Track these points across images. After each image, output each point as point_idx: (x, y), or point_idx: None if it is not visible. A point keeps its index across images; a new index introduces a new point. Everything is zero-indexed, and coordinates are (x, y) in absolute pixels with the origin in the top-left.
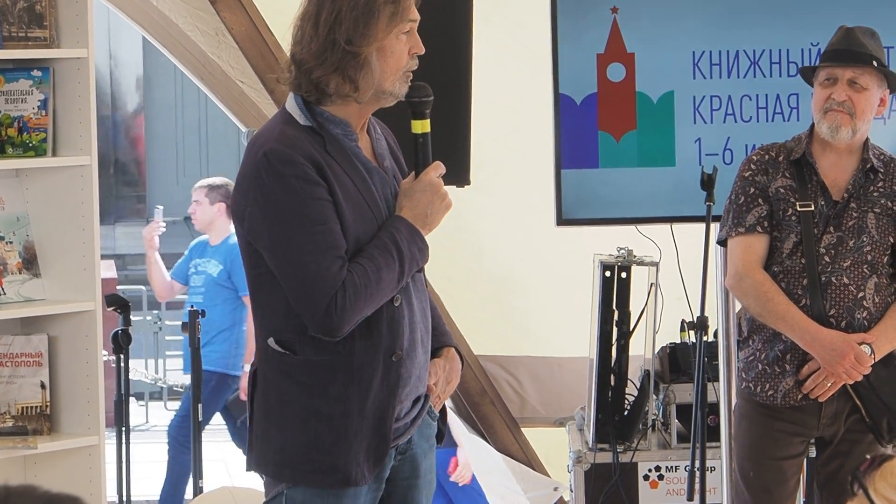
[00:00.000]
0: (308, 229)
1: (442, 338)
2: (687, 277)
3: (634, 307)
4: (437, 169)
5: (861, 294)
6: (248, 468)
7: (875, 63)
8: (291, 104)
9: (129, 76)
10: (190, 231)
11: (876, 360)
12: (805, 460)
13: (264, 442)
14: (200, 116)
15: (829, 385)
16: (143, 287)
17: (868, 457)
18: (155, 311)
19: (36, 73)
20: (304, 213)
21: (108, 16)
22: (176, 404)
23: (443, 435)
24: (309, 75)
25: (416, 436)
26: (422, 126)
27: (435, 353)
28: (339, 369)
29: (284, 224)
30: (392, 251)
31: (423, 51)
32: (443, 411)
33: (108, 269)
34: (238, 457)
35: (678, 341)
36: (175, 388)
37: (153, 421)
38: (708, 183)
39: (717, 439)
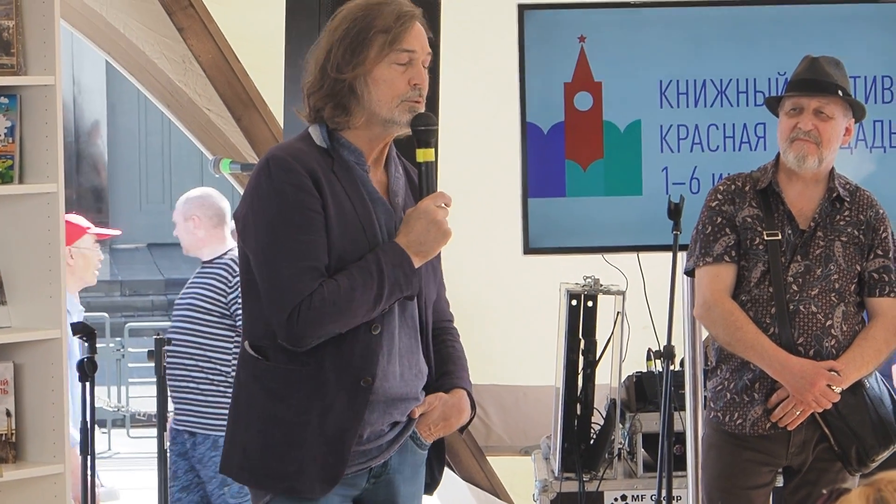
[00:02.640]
0: (291, 236)
1: (456, 381)
2: (653, 306)
3: (601, 336)
4: (437, 198)
5: (829, 322)
6: (220, 469)
7: (840, 92)
8: (314, 128)
9: (92, 103)
10: (153, 258)
11: (844, 388)
12: (772, 489)
13: (231, 444)
14: (164, 143)
15: (797, 413)
16: (105, 314)
17: (824, 491)
18: (118, 339)
19: (3, 100)
20: (291, 220)
21: (71, 42)
22: (139, 431)
23: (436, 485)
24: (308, 102)
25: (395, 460)
26: (424, 154)
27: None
28: (304, 380)
29: (270, 228)
30: (373, 272)
31: (424, 82)
32: (440, 457)
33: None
34: None
35: (644, 370)
36: (137, 416)
37: (115, 448)
38: (675, 212)
39: (684, 468)
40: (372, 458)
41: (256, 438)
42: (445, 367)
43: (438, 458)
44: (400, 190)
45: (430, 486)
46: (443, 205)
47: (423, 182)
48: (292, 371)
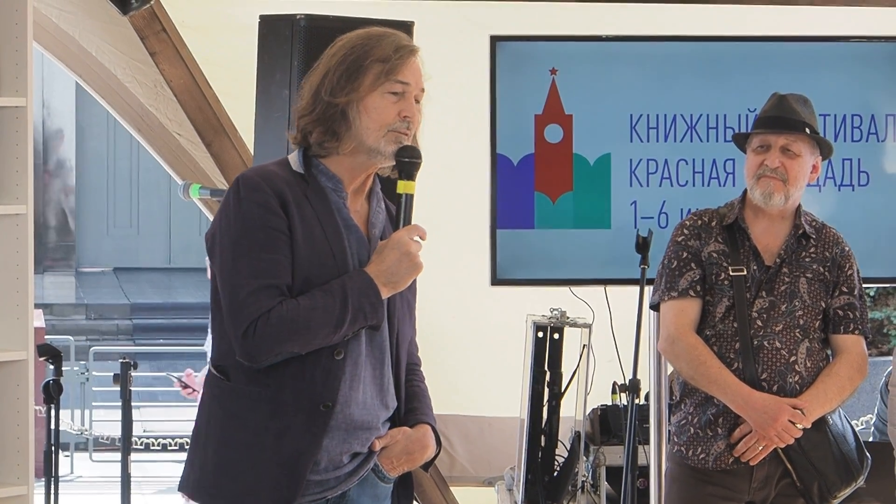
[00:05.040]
0: (253, 255)
1: (421, 416)
2: (619, 340)
3: (566, 368)
4: (412, 231)
5: (793, 358)
6: (178, 487)
7: (807, 130)
8: (293, 154)
9: (61, 125)
10: (119, 282)
11: (807, 424)
12: None
13: (189, 462)
14: (132, 167)
15: (760, 448)
16: (70, 337)
17: None
18: (82, 362)
19: None
20: (254, 238)
21: (41, 65)
22: (102, 455)
23: None
24: (298, 125)
25: (354, 492)
26: (405, 187)
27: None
28: (263, 402)
29: (233, 245)
30: (336, 296)
31: (413, 115)
32: (408, 491)
33: (37, 319)
34: None
35: (610, 403)
36: (101, 440)
37: (78, 472)
38: (643, 246)
39: (647, 502)
40: (329, 488)
41: (212, 457)
42: (411, 404)
43: (406, 492)
44: (379, 223)
45: None
46: (417, 238)
47: (400, 213)
48: (252, 392)
